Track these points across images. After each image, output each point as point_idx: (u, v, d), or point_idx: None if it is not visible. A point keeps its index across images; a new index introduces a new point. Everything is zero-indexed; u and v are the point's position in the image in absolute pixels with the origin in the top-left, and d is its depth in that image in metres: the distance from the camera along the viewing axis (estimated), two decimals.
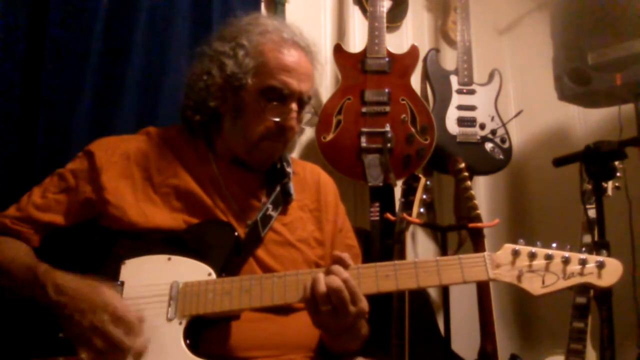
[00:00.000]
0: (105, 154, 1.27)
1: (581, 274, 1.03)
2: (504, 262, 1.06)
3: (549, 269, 1.04)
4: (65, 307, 1.04)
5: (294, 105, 1.26)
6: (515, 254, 1.06)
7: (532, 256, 1.05)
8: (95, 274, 1.11)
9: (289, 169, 1.36)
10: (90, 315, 1.02)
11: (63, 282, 1.06)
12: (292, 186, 1.34)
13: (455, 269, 1.06)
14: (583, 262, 1.03)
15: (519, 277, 1.04)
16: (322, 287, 1.03)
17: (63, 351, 1.06)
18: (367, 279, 1.07)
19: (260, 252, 1.24)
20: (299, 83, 1.26)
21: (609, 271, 1.03)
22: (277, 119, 1.25)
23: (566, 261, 1.04)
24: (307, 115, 1.36)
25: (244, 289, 1.08)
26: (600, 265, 1.03)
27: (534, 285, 1.04)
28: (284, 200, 1.32)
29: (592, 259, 1.04)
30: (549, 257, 1.04)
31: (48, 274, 1.08)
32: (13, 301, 1.12)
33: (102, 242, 1.20)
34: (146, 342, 1.04)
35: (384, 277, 1.06)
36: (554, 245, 1.06)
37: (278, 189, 1.32)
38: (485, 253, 1.07)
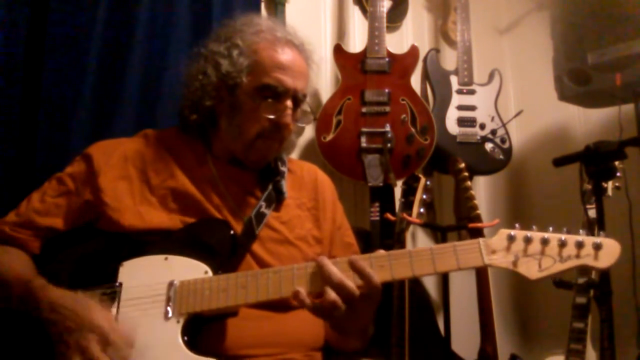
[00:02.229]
0: (103, 156, 1.27)
1: (578, 256, 1.00)
2: (500, 247, 1.03)
3: (545, 252, 1.01)
4: (56, 325, 1.02)
5: (288, 103, 1.26)
6: (511, 239, 1.03)
7: (528, 240, 1.02)
8: (93, 277, 1.11)
9: (283, 168, 1.36)
10: (76, 334, 0.99)
11: (58, 301, 1.04)
12: (285, 184, 1.34)
13: (450, 256, 1.04)
14: (580, 244, 1.00)
15: (515, 262, 1.02)
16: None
17: None
18: None
19: (259, 250, 1.24)
20: (294, 80, 1.26)
21: (607, 252, 1.00)
22: (271, 117, 1.25)
23: (562, 244, 1.01)
24: (301, 112, 1.36)
25: (240, 285, 1.08)
26: (598, 247, 1.00)
27: (530, 270, 1.01)
28: (276, 199, 1.32)
29: (589, 241, 1.01)
30: (545, 241, 1.02)
31: (43, 292, 1.06)
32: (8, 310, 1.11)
33: (99, 245, 1.20)
34: None
35: (379, 268, 1.05)
36: (551, 228, 1.03)
37: (270, 187, 1.32)
38: (481, 239, 1.04)
